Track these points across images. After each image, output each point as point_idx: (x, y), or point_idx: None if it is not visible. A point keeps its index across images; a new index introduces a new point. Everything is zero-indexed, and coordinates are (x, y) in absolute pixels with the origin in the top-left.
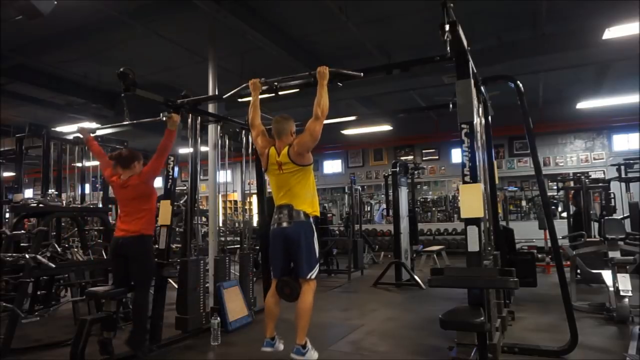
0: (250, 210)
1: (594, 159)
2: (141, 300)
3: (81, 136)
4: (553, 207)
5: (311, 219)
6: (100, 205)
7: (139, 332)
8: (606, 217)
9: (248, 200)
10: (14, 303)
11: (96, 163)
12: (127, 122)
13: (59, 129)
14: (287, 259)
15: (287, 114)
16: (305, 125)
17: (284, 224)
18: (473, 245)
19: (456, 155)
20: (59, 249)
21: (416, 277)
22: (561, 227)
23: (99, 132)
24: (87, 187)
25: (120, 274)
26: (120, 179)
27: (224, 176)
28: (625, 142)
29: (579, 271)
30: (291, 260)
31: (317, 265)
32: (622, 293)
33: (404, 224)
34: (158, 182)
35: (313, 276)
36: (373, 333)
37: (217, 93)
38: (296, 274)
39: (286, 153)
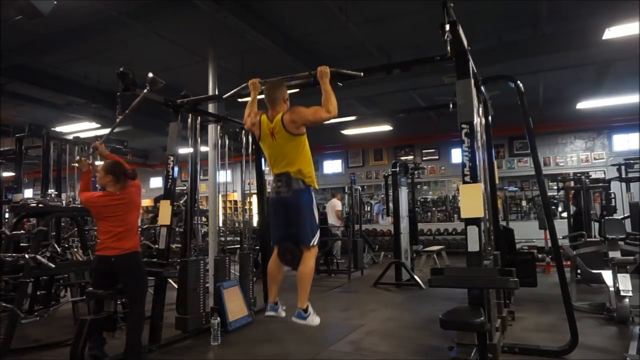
0: (250, 210)
1: (594, 159)
2: (139, 316)
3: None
4: (553, 207)
5: (310, 188)
6: None
7: (137, 347)
8: (606, 217)
9: (248, 200)
10: (13, 303)
11: (96, 163)
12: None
13: (59, 129)
14: (287, 226)
15: (279, 79)
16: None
17: (283, 192)
18: (473, 245)
19: (456, 155)
20: (58, 249)
21: (416, 277)
22: (561, 227)
23: (99, 133)
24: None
25: (102, 289)
26: (111, 195)
27: (224, 176)
28: (625, 142)
29: (579, 271)
30: (291, 227)
31: (318, 231)
32: (622, 293)
33: (404, 224)
34: (158, 182)
35: (314, 242)
36: (373, 333)
37: (217, 93)
38: (298, 241)
39: (279, 120)
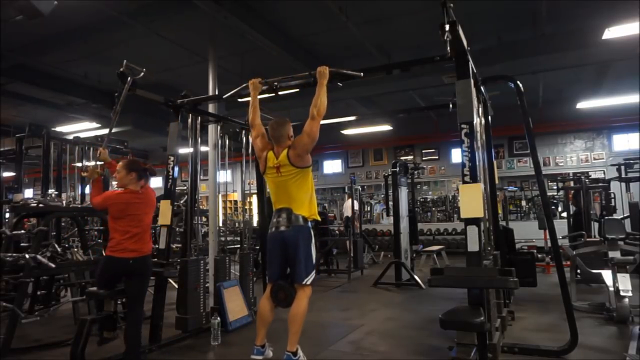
0: (250, 210)
1: (594, 159)
2: (140, 316)
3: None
4: (553, 207)
5: (309, 224)
6: None
7: (136, 347)
8: (606, 217)
9: (248, 200)
10: (14, 303)
11: (96, 163)
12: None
13: (59, 129)
14: (284, 263)
15: (283, 117)
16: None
17: (282, 228)
18: (473, 245)
19: (456, 155)
20: (59, 249)
21: (416, 277)
22: (561, 227)
23: (99, 133)
24: (87, 187)
25: (109, 289)
26: (133, 193)
27: (224, 176)
28: (625, 142)
29: (579, 271)
30: (288, 264)
31: (314, 271)
32: (622, 293)
33: (404, 224)
34: (158, 182)
35: (309, 282)
36: (373, 333)
37: (217, 93)
38: (292, 279)
39: (285, 155)
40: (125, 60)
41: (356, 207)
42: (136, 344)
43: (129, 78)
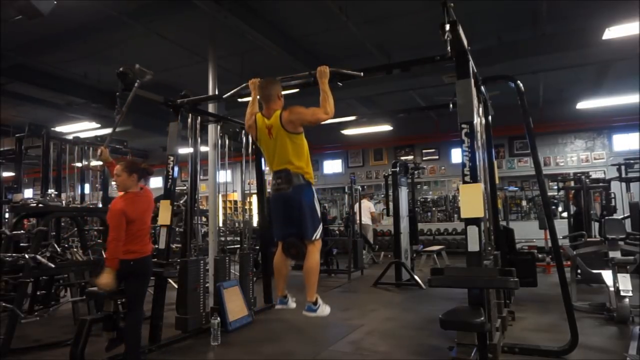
0: (250, 210)
1: (595, 159)
2: (139, 317)
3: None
4: (553, 207)
5: (310, 183)
6: (100, 205)
7: (136, 348)
8: (606, 217)
9: (248, 200)
10: (13, 303)
11: (95, 163)
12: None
13: (59, 129)
14: (290, 222)
15: (272, 77)
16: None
17: (283, 189)
18: (473, 245)
19: (456, 155)
20: (58, 249)
21: (416, 277)
22: (561, 227)
23: (99, 133)
24: (87, 187)
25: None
26: (137, 195)
27: (224, 176)
28: (625, 142)
29: (579, 271)
30: (293, 222)
31: (320, 225)
32: (622, 293)
33: (404, 224)
34: (158, 182)
35: (317, 236)
36: (373, 333)
37: (217, 93)
38: (301, 236)
39: (277, 117)
40: (137, 65)
41: (373, 209)
42: (136, 344)
43: (137, 81)
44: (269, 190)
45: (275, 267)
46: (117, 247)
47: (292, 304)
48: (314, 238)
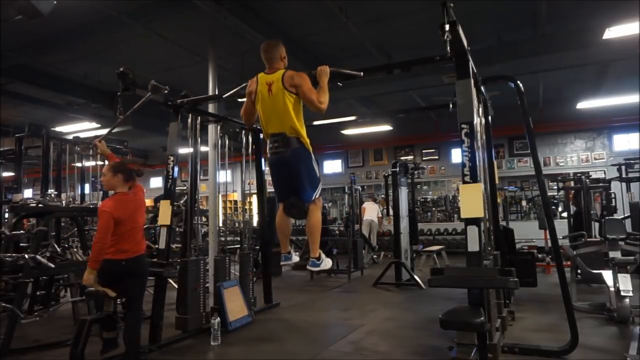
0: (250, 210)
1: (595, 159)
2: (138, 317)
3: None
4: (553, 207)
5: (305, 143)
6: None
7: (136, 347)
8: (607, 217)
9: (248, 200)
10: (13, 303)
11: (95, 163)
12: (120, 118)
13: (58, 129)
14: (289, 182)
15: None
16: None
17: (281, 152)
18: (473, 245)
19: (456, 155)
20: (58, 249)
21: (416, 277)
22: (561, 227)
23: (99, 133)
24: (87, 187)
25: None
26: (125, 195)
27: (224, 176)
28: (625, 142)
29: (579, 271)
30: (293, 183)
31: (319, 185)
32: (622, 293)
33: (404, 224)
34: (158, 182)
35: (317, 196)
36: (373, 333)
37: (217, 93)
38: (301, 198)
39: (280, 76)
40: (152, 80)
41: (379, 213)
42: (136, 344)
43: (149, 93)
44: (267, 158)
45: (278, 226)
46: (101, 249)
47: (295, 257)
48: (313, 198)
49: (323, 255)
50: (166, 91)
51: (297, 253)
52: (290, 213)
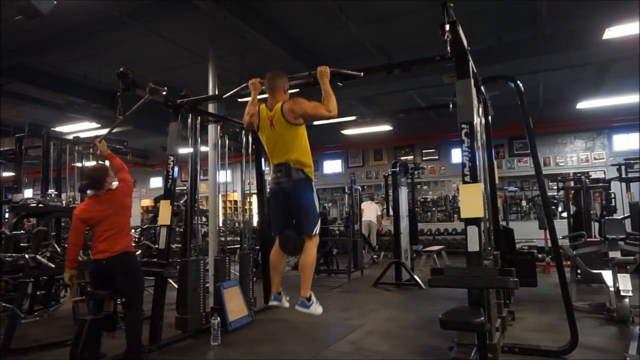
0: (250, 210)
1: (594, 159)
2: (138, 316)
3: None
4: (553, 207)
5: (308, 176)
6: None
7: (137, 348)
8: (606, 217)
9: (248, 200)
10: (13, 303)
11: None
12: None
13: (59, 129)
14: (288, 216)
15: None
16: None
17: (283, 182)
18: (473, 245)
19: (456, 155)
20: (58, 249)
21: (416, 277)
22: (561, 227)
23: (99, 133)
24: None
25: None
26: (96, 198)
27: (224, 176)
28: (625, 142)
29: (579, 271)
30: (292, 216)
31: (319, 220)
32: (622, 293)
33: (404, 224)
34: (158, 182)
35: (315, 232)
36: (373, 333)
37: (217, 93)
38: (299, 231)
39: (279, 108)
40: (150, 83)
41: (379, 212)
42: (137, 344)
43: (147, 95)
44: (269, 187)
45: (272, 262)
46: (71, 249)
47: (285, 302)
48: (312, 233)
49: (314, 298)
50: (164, 92)
51: (288, 298)
52: (286, 248)
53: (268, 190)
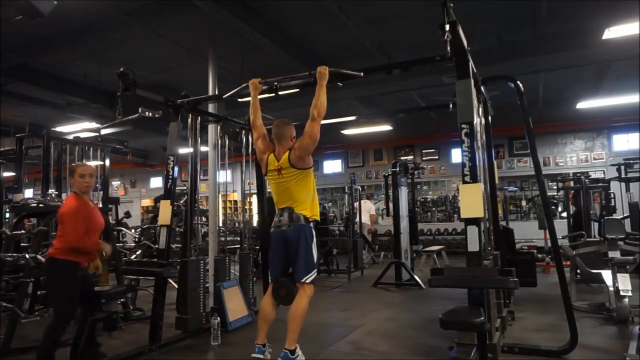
0: (250, 210)
1: (594, 159)
2: (55, 319)
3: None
4: (553, 207)
5: (311, 223)
6: (100, 205)
7: (43, 348)
8: (606, 217)
9: (248, 200)
10: (14, 303)
11: (96, 163)
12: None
13: (59, 129)
14: (286, 261)
15: (287, 118)
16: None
17: (284, 227)
18: (473, 245)
19: (456, 155)
20: None
21: (416, 277)
22: (561, 227)
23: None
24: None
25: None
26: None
27: (224, 176)
28: (625, 142)
29: (579, 271)
30: (289, 263)
31: (315, 270)
32: (622, 293)
33: (404, 224)
34: (158, 182)
35: (309, 280)
36: (373, 333)
37: (217, 93)
38: (293, 277)
39: (287, 158)
40: (141, 107)
41: (373, 211)
42: (44, 342)
43: (147, 113)
44: (271, 229)
45: (262, 310)
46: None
47: (267, 355)
48: (304, 280)
49: (299, 351)
50: (132, 73)
51: (271, 350)
52: (278, 295)
53: (271, 230)
